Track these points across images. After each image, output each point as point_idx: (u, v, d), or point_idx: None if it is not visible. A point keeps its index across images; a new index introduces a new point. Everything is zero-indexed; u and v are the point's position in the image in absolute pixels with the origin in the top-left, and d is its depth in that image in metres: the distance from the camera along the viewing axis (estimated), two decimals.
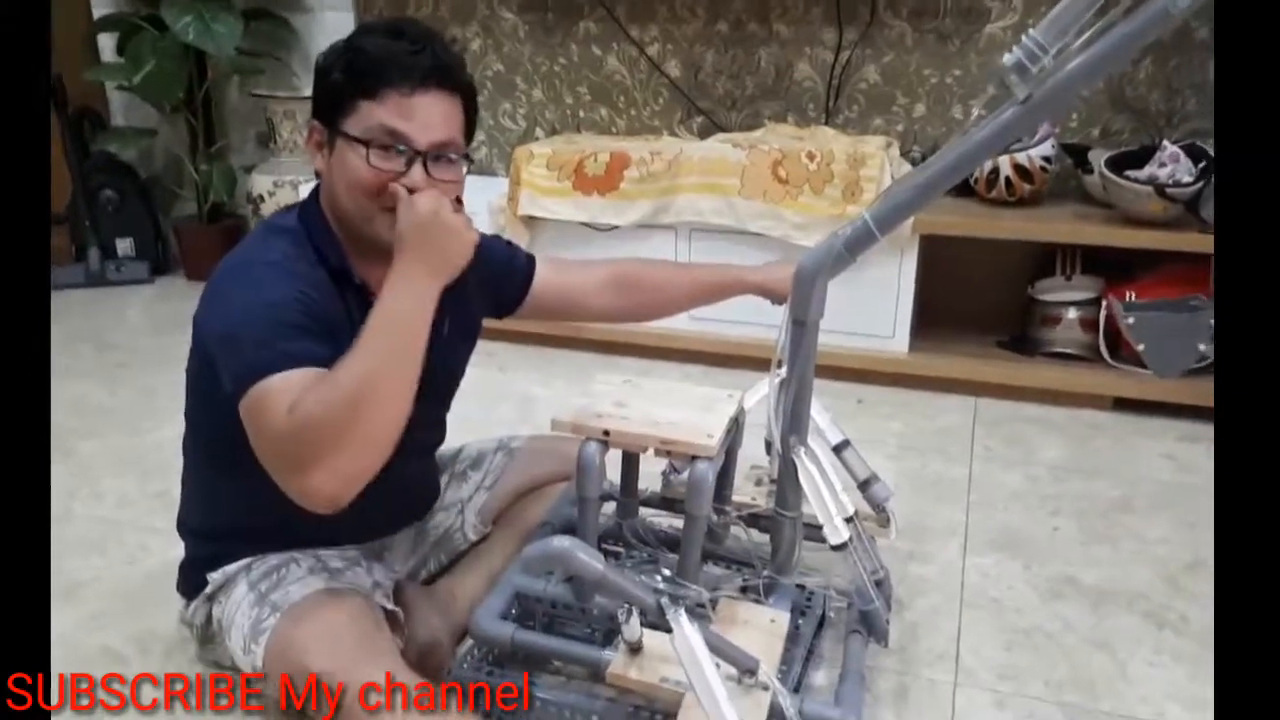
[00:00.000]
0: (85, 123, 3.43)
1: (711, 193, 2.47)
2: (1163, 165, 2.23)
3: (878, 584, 1.36)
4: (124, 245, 3.44)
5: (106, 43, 3.38)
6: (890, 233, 1.19)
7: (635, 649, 1.14)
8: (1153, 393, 2.26)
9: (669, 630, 1.06)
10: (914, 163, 2.56)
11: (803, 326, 1.23)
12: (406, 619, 1.32)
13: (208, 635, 1.33)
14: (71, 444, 2.11)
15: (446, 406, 1.45)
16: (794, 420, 1.28)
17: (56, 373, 2.35)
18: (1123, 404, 2.32)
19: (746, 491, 1.51)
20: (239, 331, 1.08)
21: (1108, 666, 1.44)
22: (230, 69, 3.24)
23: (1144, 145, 2.37)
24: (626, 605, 1.10)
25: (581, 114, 3.03)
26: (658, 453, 1.25)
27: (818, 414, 1.43)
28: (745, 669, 1.11)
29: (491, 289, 1.45)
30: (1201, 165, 2.20)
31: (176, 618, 1.40)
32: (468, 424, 1.59)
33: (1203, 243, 2.11)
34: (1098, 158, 2.37)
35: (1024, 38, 1.05)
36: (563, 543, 1.07)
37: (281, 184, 3.19)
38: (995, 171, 2.42)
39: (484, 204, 2.71)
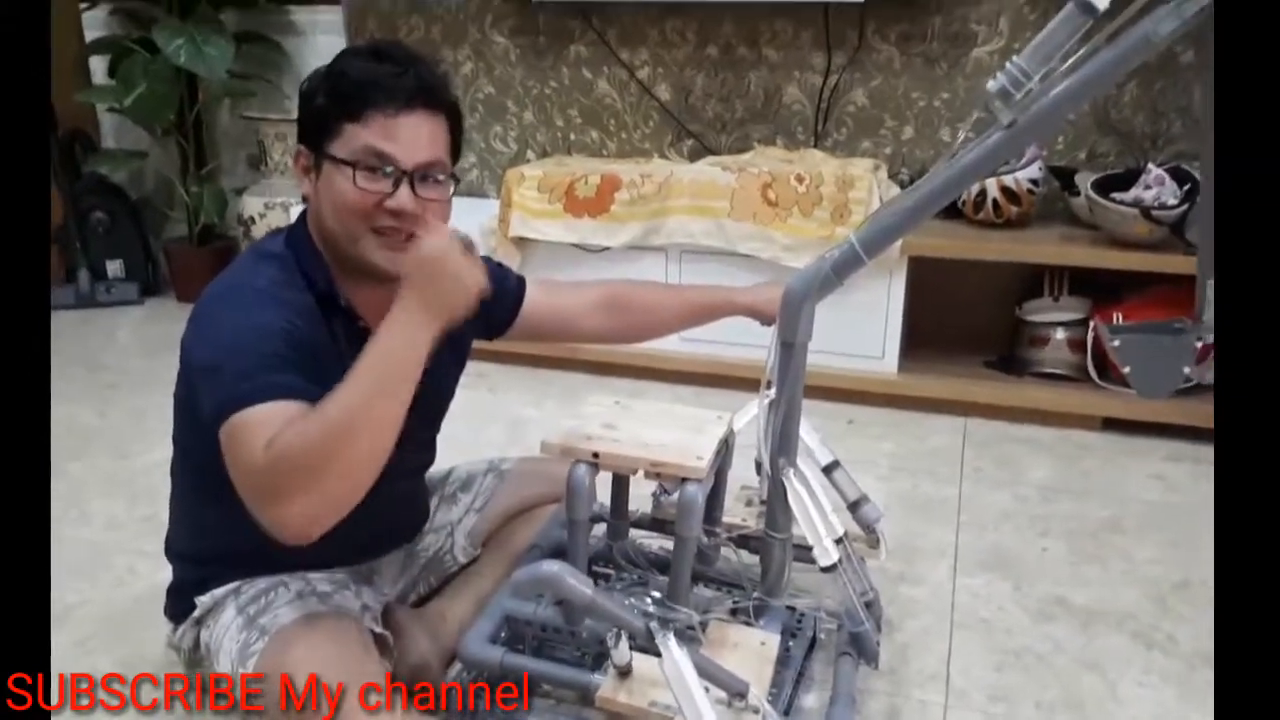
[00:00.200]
0: (76, 145, 3.44)
1: (701, 215, 2.49)
2: (1148, 188, 2.25)
3: (868, 605, 1.36)
4: (114, 267, 3.44)
5: (98, 65, 3.39)
6: (877, 256, 1.20)
7: (624, 673, 1.14)
8: (1141, 413, 2.27)
9: (659, 654, 1.05)
10: (902, 185, 2.58)
11: (791, 348, 1.24)
12: (395, 642, 1.31)
13: (195, 659, 1.32)
14: (61, 465, 2.10)
15: (436, 428, 1.45)
16: (783, 441, 1.28)
17: None
18: (1111, 424, 2.33)
19: (737, 513, 1.51)
20: (221, 361, 1.07)
21: (1098, 687, 1.44)
22: (221, 91, 3.26)
23: (1129, 168, 2.39)
24: (615, 629, 1.10)
25: (572, 136, 3.05)
26: (647, 475, 1.25)
27: (807, 435, 1.43)
28: (735, 692, 1.11)
29: (482, 311, 1.45)
30: (1186, 188, 2.22)
31: (164, 642, 1.39)
32: (458, 445, 1.59)
33: (1188, 265, 2.11)
34: (1084, 180, 2.39)
35: (1008, 64, 1.06)
36: (552, 567, 1.07)
37: (273, 206, 3.19)
38: (983, 194, 2.44)
39: (475, 226, 2.72)
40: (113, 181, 3.42)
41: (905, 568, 1.74)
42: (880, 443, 2.30)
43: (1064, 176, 2.52)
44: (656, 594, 1.31)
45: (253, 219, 3.22)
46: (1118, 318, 2.31)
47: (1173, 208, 2.20)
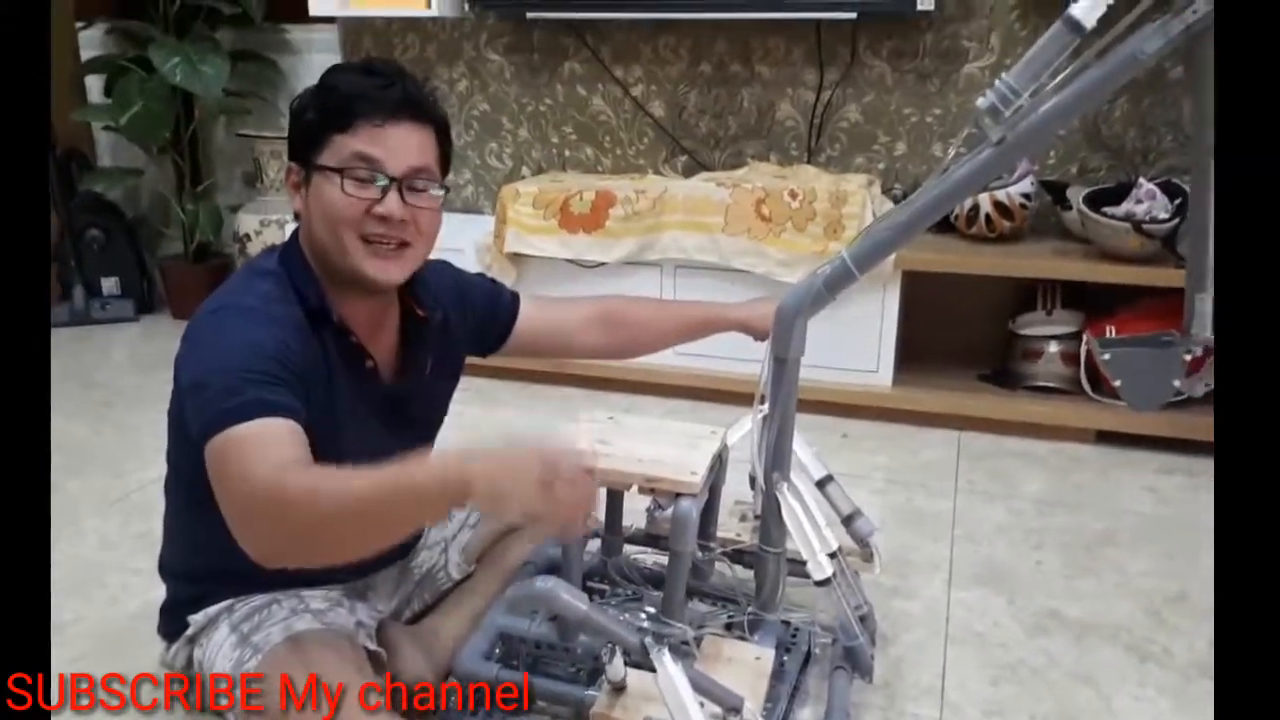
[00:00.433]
0: (72, 163, 3.45)
1: (696, 230, 2.50)
2: (1139, 202, 2.26)
3: (862, 620, 1.37)
4: (109, 284, 3.44)
5: (94, 83, 3.40)
6: (869, 272, 1.21)
7: (619, 688, 1.14)
8: (1134, 425, 2.28)
9: (653, 669, 1.06)
10: (895, 200, 2.59)
11: (784, 363, 1.25)
12: (390, 659, 1.31)
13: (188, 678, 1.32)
14: (55, 483, 2.10)
15: (431, 444, 1.45)
16: (777, 456, 1.29)
17: None
18: (1105, 437, 2.34)
19: (731, 527, 1.51)
20: (208, 378, 1.08)
21: (1093, 700, 1.44)
22: (217, 109, 3.27)
23: (1120, 182, 2.41)
24: (610, 645, 1.10)
25: (567, 153, 3.06)
26: (642, 490, 1.26)
27: (801, 449, 1.44)
28: (730, 707, 1.11)
29: (476, 328, 1.46)
30: (1177, 202, 2.24)
31: (157, 660, 1.39)
32: None
33: (1180, 278, 2.12)
34: (1076, 195, 2.41)
35: (997, 82, 1.08)
36: (546, 583, 1.07)
37: (268, 223, 3.20)
38: (975, 208, 2.45)
39: (470, 242, 2.73)
40: (108, 199, 3.43)
41: (899, 581, 1.74)
42: (874, 456, 2.30)
43: (1056, 191, 2.53)
44: (651, 609, 1.32)
45: (248, 236, 3.23)
46: (1110, 331, 2.32)
47: (1164, 221, 2.21)
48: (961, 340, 2.66)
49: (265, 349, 1.10)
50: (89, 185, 3.36)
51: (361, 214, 1.16)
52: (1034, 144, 1.13)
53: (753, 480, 1.36)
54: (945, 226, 2.54)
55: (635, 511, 1.44)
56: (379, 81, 1.16)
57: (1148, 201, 2.25)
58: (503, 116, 3.09)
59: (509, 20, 2.96)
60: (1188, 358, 1.25)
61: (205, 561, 1.31)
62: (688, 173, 2.86)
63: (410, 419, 1.35)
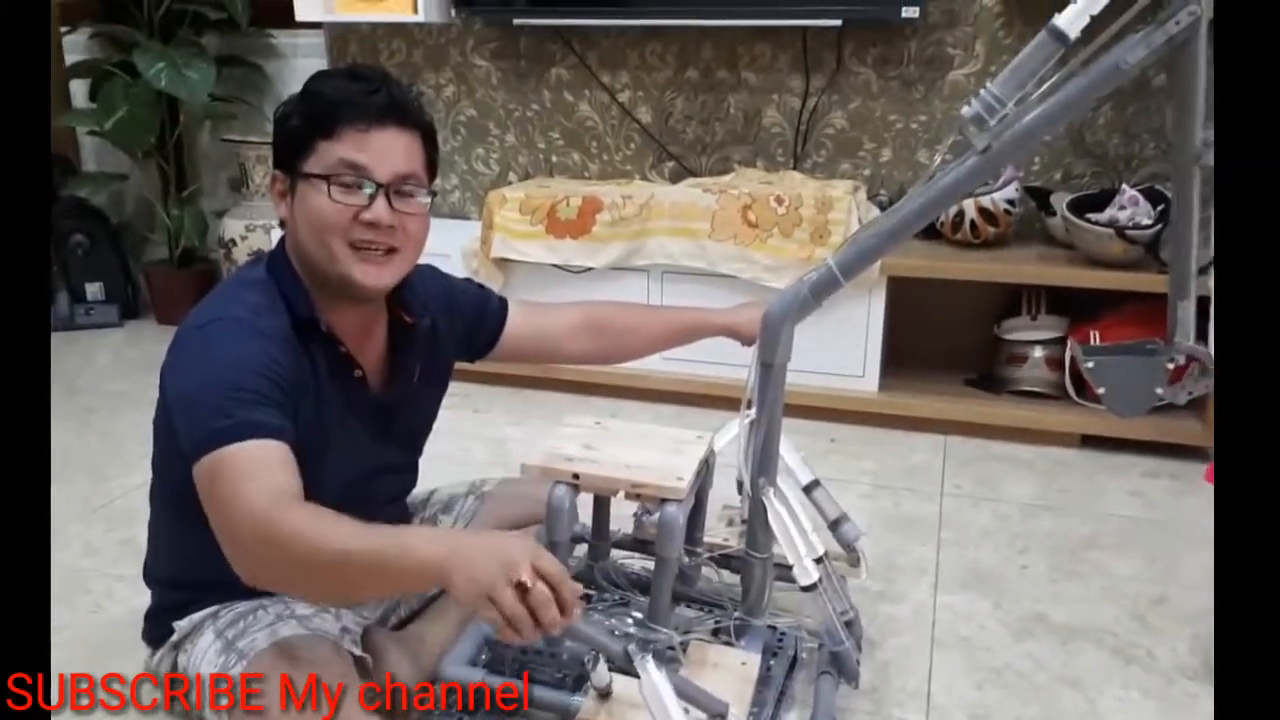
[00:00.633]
0: (56, 168, 3.42)
1: (683, 236, 2.50)
2: (1122, 208, 2.28)
3: (848, 624, 1.37)
4: (94, 289, 3.42)
5: (79, 88, 3.39)
6: (854, 278, 1.21)
7: (605, 694, 1.14)
8: (1119, 430, 2.29)
9: (638, 676, 1.05)
10: (881, 206, 2.60)
11: (770, 369, 1.25)
12: (375, 665, 1.30)
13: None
14: None
15: (418, 451, 1.45)
16: (763, 461, 1.29)
17: None
18: (1090, 441, 2.35)
19: (719, 532, 1.51)
20: (198, 395, 1.07)
21: (1078, 703, 1.44)
22: (202, 115, 3.26)
23: (1104, 189, 2.43)
24: (593, 652, 1.10)
25: (554, 159, 3.06)
26: (628, 496, 1.26)
27: (788, 454, 1.44)
28: (715, 713, 1.11)
29: (464, 333, 1.46)
30: (1160, 208, 2.26)
31: (141, 667, 1.38)
32: (441, 465, 1.59)
33: (1163, 283, 2.14)
34: (1060, 201, 2.42)
35: (982, 90, 1.08)
36: None
37: (253, 228, 3.19)
38: (960, 214, 2.47)
39: (457, 247, 2.73)
40: (93, 204, 3.41)
41: (886, 586, 1.74)
42: (861, 461, 2.31)
43: (1040, 197, 2.55)
44: (638, 614, 1.32)
45: (233, 241, 3.22)
46: (1094, 335, 2.34)
47: (1147, 227, 2.23)
48: (947, 345, 2.67)
49: (255, 365, 1.09)
50: (73, 190, 3.34)
51: (349, 220, 1.16)
52: (1018, 152, 1.14)
53: (741, 485, 1.37)
54: (931, 232, 2.55)
55: (623, 517, 1.44)
56: (364, 87, 1.16)
57: (1131, 208, 2.27)
58: (489, 122, 3.09)
59: (496, 26, 2.97)
60: (1171, 366, 1.26)
61: (191, 569, 1.30)
62: (674, 178, 2.87)
63: (398, 427, 1.35)
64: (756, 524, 1.32)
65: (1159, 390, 1.26)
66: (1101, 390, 1.31)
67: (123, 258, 3.48)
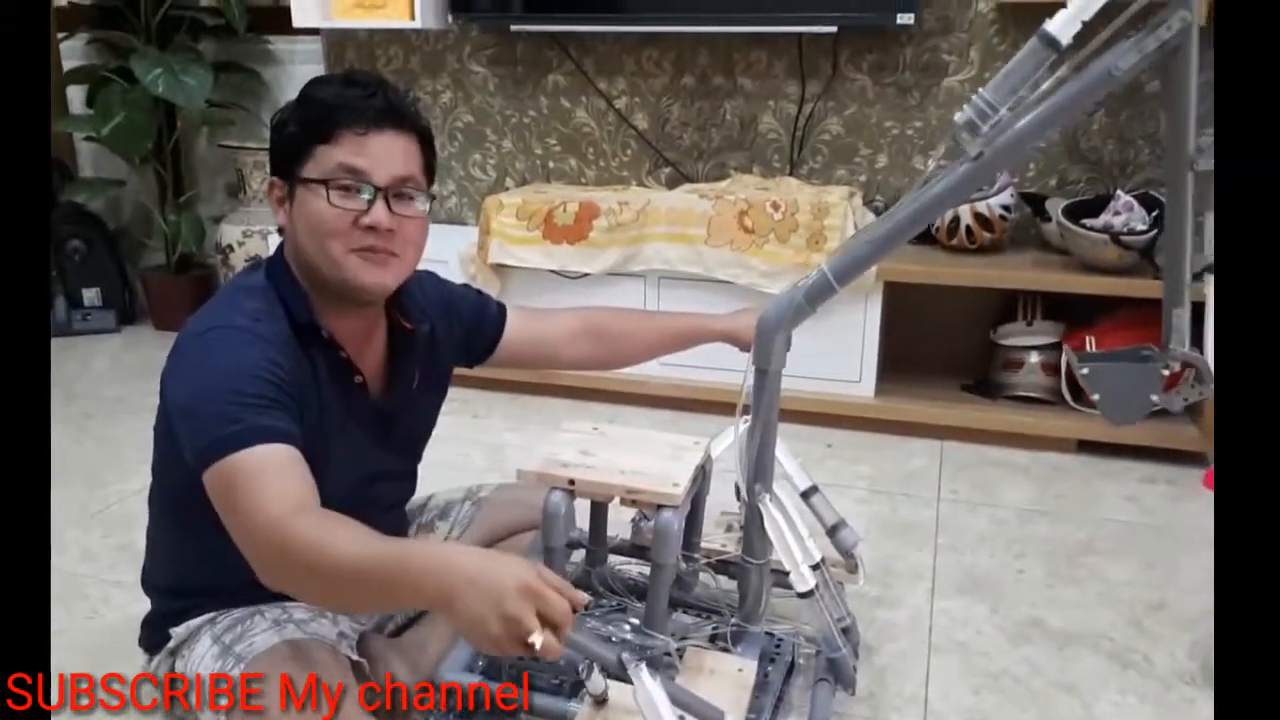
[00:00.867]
0: (53, 174, 3.43)
1: (679, 242, 2.51)
2: (1117, 214, 2.29)
3: (845, 631, 1.37)
4: (91, 295, 3.42)
5: (76, 94, 3.39)
6: (848, 284, 1.22)
7: (601, 701, 1.14)
8: (1115, 435, 2.30)
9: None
10: (877, 212, 2.61)
11: (765, 375, 1.25)
12: (372, 670, 1.30)
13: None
14: None
15: (417, 458, 1.45)
16: (759, 467, 1.29)
17: None
18: (1086, 446, 2.36)
19: (716, 538, 1.51)
20: (202, 403, 1.07)
21: (1075, 708, 1.45)
22: (200, 120, 3.26)
23: (1099, 195, 2.44)
24: (587, 660, 1.10)
25: (551, 164, 3.07)
26: (624, 502, 1.26)
27: (786, 459, 1.44)
28: None
29: (463, 339, 1.46)
30: (1155, 213, 2.26)
31: (138, 671, 1.38)
32: (440, 471, 1.59)
33: (1158, 289, 2.14)
34: (1055, 206, 2.43)
35: (974, 97, 1.08)
36: None
37: (250, 234, 3.19)
38: (956, 220, 2.47)
39: (454, 253, 2.73)
40: (90, 210, 3.42)
41: (883, 591, 1.75)
42: (857, 466, 2.31)
43: (1035, 203, 2.56)
44: (635, 621, 1.31)
45: (231, 247, 3.22)
46: (1090, 341, 2.34)
47: (1142, 233, 2.23)
48: (943, 351, 2.68)
49: (258, 370, 1.09)
50: (70, 196, 3.35)
51: (349, 225, 1.15)
52: (1011, 158, 1.14)
53: (738, 490, 1.37)
54: (926, 238, 2.56)
55: (621, 522, 1.44)
56: (360, 91, 1.16)
57: (1125, 213, 2.28)
58: (486, 128, 3.10)
59: (493, 32, 2.97)
60: (1166, 373, 1.26)
61: (189, 575, 1.30)
62: (671, 184, 2.87)
63: (398, 433, 1.35)
64: (753, 530, 1.32)
65: (1154, 397, 1.26)
66: (1096, 397, 1.32)
67: (120, 263, 3.48)
